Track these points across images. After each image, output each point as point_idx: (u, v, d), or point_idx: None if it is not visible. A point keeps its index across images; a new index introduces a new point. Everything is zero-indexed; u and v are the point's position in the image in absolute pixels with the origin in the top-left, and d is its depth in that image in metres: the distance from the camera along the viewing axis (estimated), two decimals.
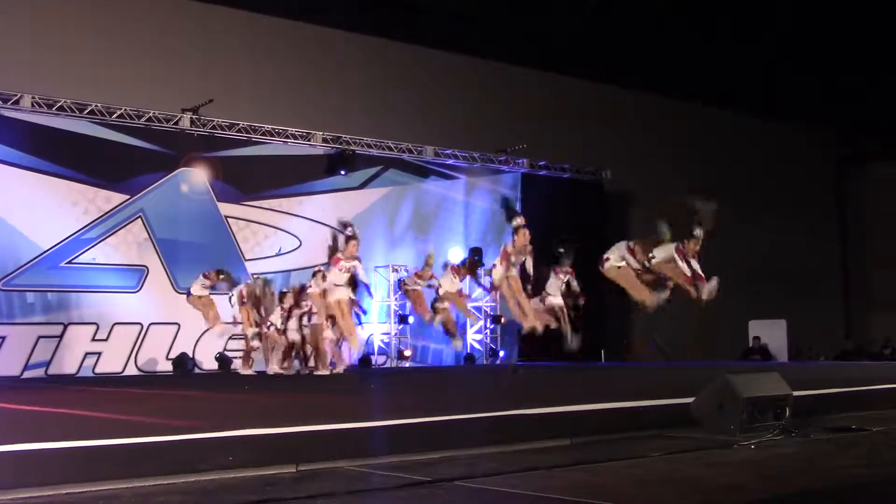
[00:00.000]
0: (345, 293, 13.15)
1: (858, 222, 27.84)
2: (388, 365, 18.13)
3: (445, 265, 15.70)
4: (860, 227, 27.72)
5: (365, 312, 15.67)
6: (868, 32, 21.49)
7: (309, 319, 14.32)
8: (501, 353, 19.24)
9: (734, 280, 23.86)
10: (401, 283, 16.55)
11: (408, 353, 18.40)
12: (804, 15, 20.94)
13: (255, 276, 15.84)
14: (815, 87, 24.06)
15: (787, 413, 6.28)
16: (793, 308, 22.37)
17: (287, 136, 17.29)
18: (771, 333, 20.69)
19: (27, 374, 14.62)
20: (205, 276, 14.69)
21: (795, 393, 6.47)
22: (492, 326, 19.25)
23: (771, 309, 21.78)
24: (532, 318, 11.97)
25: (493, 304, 18.80)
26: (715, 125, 24.84)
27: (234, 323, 15.22)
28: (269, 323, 14.50)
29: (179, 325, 15.90)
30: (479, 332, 19.22)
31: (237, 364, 15.14)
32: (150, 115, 15.86)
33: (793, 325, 21.31)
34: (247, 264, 16.60)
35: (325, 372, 13.69)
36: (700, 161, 24.36)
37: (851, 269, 27.77)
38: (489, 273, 13.78)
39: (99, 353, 15.34)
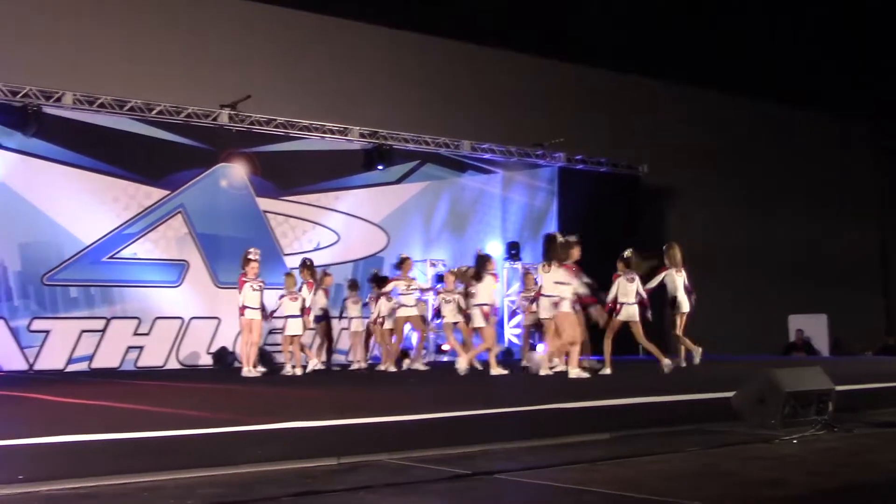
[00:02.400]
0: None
1: None
2: (427, 359, 18.13)
3: (440, 276, 15.72)
4: None
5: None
6: None
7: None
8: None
9: (774, 274, 23.74)
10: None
11: (446, 347, 18.37)
12: (844, 6, 20.65)
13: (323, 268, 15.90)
14: (855, 79, 23.74)
15: (830, 408, 6.22)
16: (833, 302, 22.10)
17: (324, 132, 17.34)
18: (811, 328, 20.45)
19: (71, 368, 14.80)
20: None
21: (838, 388, 6.40)
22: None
23: (811, 303, 21.54)
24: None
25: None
26: (753, 118, 24.56)
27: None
28: (377, 316, 14.41)
29: (220, 320, 16.00)
30: (517, 325, 19.05)
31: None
32: (189, 111, 15.98)
33: (833, 320, 21.06)
34: (285, 259, 16.67)
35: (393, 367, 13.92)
36: (738, 155, 24.12)
37: (893, 263, 27.37)
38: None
39: (141, 347, 15.49)
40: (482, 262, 12.42)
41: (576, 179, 20.04)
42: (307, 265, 13.80)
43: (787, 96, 24.12)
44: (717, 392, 6.88)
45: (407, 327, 14.74)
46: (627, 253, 11.96)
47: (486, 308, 12.11)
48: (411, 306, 13.96)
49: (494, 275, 13.08)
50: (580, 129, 20.88)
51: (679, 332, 12.63)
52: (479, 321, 12.23)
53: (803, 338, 20.16)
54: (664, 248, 12.59)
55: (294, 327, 12.95)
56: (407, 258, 14.43)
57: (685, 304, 12.67)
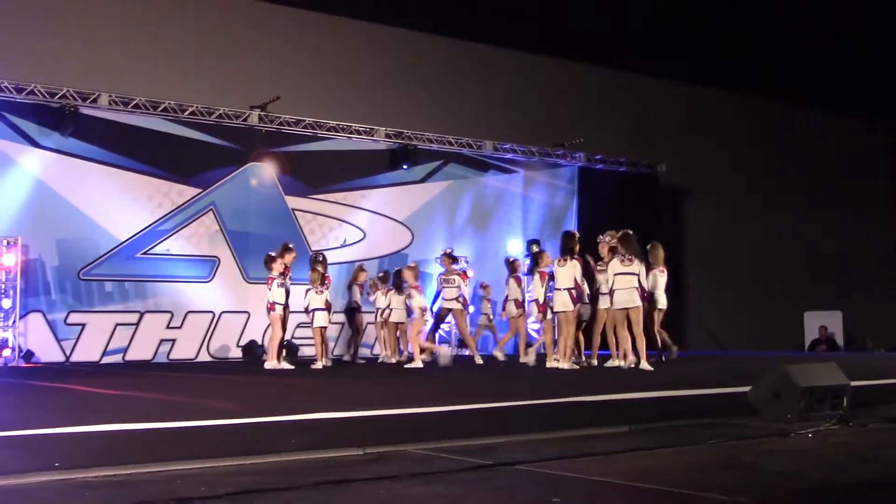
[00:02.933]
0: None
1: None
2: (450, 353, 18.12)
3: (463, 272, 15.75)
4: None
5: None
6: None
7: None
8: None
9: (790, 271, 23.58)
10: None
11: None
12: (861, 9, 20.47)
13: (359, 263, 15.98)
14: (873, 80, 23.53)
15: (845, 403, 6.16)
16: (848, 299, 21.95)
17: (351, 132, 17.37)
18: (827, 324, 20.31)
19: (105, 360, 14.91)
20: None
21: (852, 383, 6.35)
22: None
23: (826, 300, 21.40)
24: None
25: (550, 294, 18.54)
26: (771, 118, 24.42)
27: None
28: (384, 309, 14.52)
29: (249, 314, 16.09)
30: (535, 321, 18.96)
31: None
32: (221, 112, 16.05)
33: (848, 317, 20.90)
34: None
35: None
36: (756, 154, 23.98)
37: None
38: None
39: (173, 340, 15.59)
40: (536, 257, 12.24)
41: (595, 179, 19.98)
42: (319, 260, 13.68)
43: (804, 97, 23.95)
44: (734, 387, 6.84)
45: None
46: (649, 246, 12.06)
47: (573, 292, 11.39)
48: (452, 299, 13.85)
49: (517, 277, 13.10)
50: (600, 130, 20.84)
51: (658, 328, 12.55)
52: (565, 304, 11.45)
53: (827, 334, 20.00)
54: (648, 247, 12.39)
55: (320, 319, 12.95)
56: (449, 252, 14.31)
57: (662, 301, 12.66)
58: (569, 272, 11.17)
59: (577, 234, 11.79)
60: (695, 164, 22.56)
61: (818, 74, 23.28)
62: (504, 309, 14.93)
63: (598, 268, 12.17)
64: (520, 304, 14.14)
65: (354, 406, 5.76)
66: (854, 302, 22.29)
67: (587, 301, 11.98)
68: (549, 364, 11.58)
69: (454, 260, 14.31)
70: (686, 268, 22.91)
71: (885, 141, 27.24)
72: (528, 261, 13.45)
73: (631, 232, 11.47)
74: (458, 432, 5.30)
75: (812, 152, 24.92)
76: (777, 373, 6.18)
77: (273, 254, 12.66)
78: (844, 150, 25.64)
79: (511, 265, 14.41)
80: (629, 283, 11.08)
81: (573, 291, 11.13)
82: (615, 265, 11.22)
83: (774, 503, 3.63)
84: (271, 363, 12.35)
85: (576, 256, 11.29)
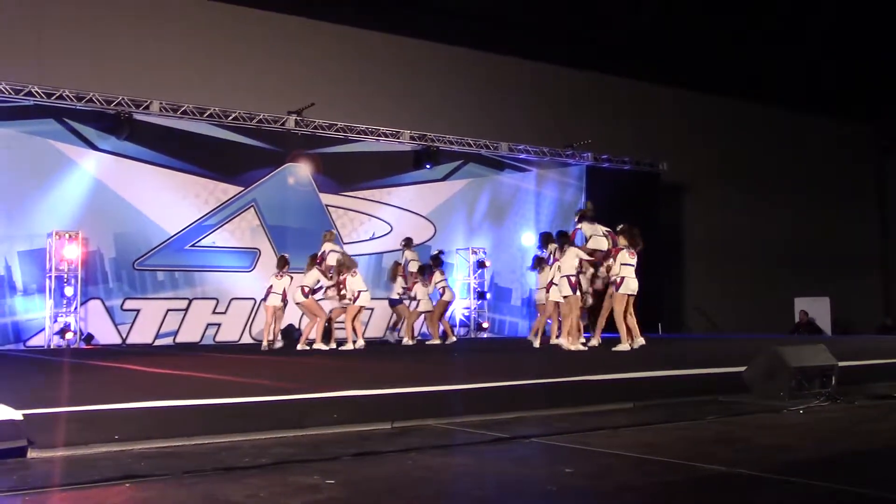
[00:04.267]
0: None
1: None
2: (468, 336, 18.15)
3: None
4: None
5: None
6: None
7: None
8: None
9: (782, 262, 23.42)
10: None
11: (485, 325, 18.39)
12: (846, 14, 20.23)
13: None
14: (856, 84, 23.31)
15: (833, 382, 6.12)
16: (835, 286, 21.78)
17: (379, 135, 17.36)
18: (815, 310, 20.14)
19: (158, 343, 15.01)
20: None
21: (840, 363, 6.30)
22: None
23: (816, 287, 21.25)
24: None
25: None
26: (765, 120, 24.23)
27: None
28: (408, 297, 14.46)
29: (286, 301, 16.11)
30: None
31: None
32: (261, 117, 16.08)
33: (835, 302, 20.74)
34: (345, 247, 16.72)
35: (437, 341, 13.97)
36: (749, 153, 23.82)
37: (891, 251, 26.88)
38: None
39: (219, 325, 15.66)
40: (563, 237, 11.96)
41: (602, 177, 19.89)
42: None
43: (794, 101, 23.79)
44: (731, 367, 6.80)
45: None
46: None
47: (572, 279, 11.29)
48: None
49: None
50: (606, 132, 20.75)
51: (605, 312, 12.06)
52: (565, 290, 11.33)
53: (808, 318, 19.86)
54: (618, 229, 11.95)
55: (364, 300, 12.85)
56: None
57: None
58: (568, 261, 11.23)
59: (571, 231, 12.25)
60: (693, 163, 22.43)
61: (808, 79, 23.11)
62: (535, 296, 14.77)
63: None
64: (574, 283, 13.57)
65: (383, 384, 5.77)
66: (841, 288, 22.14)
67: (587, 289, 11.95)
68: (536, 344, 11.63)
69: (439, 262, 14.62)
70: (685, 257, 22.81)
71: (870, 141, 26.97)
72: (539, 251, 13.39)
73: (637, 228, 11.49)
74: (477, 408, 5.30)
75: (802, 152, 24.73)
76: (770, 354, 6.14)
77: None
78: (832, 149, 25.41)
79: (538, 261, 13.83)
80: (633, 272, 11.14)
81: (572, 278, 11.19)
82: (624, 256, 11.20)
83: (769, 473, 3.61)
84: (318, 344, 12.60)
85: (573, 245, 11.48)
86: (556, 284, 11.53)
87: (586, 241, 12.12)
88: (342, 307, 13.16)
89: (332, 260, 13.17)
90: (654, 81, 22.03)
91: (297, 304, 13.03)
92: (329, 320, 13.44)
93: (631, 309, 11.39)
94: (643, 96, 22.12)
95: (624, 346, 11.03)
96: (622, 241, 11.37)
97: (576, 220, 12.70)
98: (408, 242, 15.52)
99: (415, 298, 14.44)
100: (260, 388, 6.11)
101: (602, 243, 11.97)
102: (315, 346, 12.71)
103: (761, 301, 22.54)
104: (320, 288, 13.13)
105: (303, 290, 12.86)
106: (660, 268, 18.41)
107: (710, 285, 22.50)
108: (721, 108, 23.53)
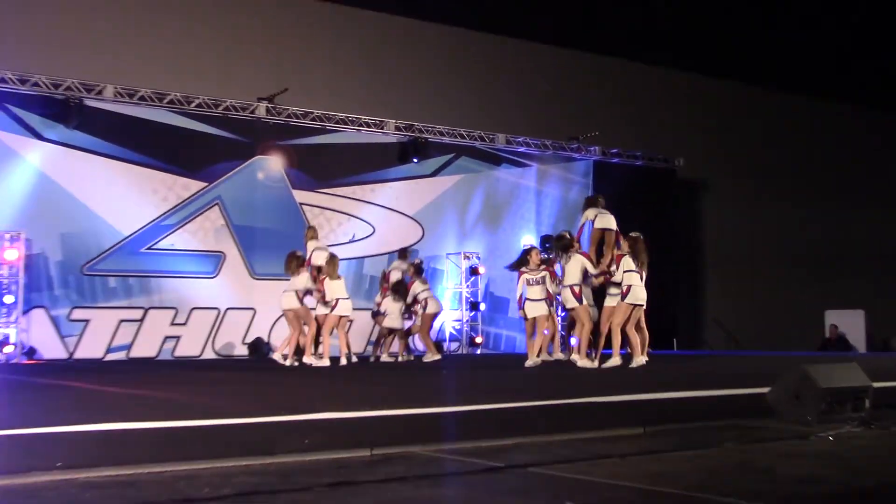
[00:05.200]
0: None
1: None
2: (459, 351, 18.16)
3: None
4: None
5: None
6: None
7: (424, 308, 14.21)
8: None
9: (810, 269, 23.49)
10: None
11: (479, 339, 18.39)
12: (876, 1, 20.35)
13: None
14: (892, 73, 23.40)
15: (867, 405, 6.13)
16: (871, 297, 21.84)
17: (360, 125, 17.39)
18: (848, 324, 20.20)
19: (109, 357, 14.98)
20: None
21: (875, 384, 6.31)
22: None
23: (848, 298, 21.30)
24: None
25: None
26: (788, 112, 24.31)
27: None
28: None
29: (255, 311, 16.12)
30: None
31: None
32: (227, 104, 16.08)
33: (871, 315, 20.81)
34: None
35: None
36: (773, 149, 23.89)
37: None
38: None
39: (178, 338, 15.64)
40: (560, 240, 12.12)
41: (611, 173, 19.95)
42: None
43: (821, 90, 23.85)
44: (753, 388, 6.81)
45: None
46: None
47: (576, 289, 11.44)
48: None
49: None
50: (615, 123, 20.79)
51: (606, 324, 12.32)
52: (570, 302, 11.52)
53: (838, 333, 19.92)
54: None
55: (343, 309, 12.86)
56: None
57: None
58: (573, 269, 11.25)
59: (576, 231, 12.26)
60: (712, 159, 22.50)
61: (842, 67, 23.18)
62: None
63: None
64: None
65: (362, 406, 5.76)
66: (877, 300, 22.19)
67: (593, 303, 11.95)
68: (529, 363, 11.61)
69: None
70: (703, 264, 22.88)
71: None
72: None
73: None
74: (469, 434, 5.29)
75: (831, 147, 24.80)
76: (797, 373, 6.15)
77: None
78: (864, 145, 25.49)
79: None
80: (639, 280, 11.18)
81: (576, 288, 11.20)
82: (628, 262, 11.20)
83: None
84: (308, 358, 12.63)
85: (580, 252, 11.45)
86: (535, 301, 11.60)
87: (592, 222, 12.09)
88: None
89: (319, 259, 13.10)
90: (670, 67, 22.09)
91: (287, 310, 12.95)
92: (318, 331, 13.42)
93: (642, 323, 11.41)
94: (657, 84, 22.19)
95: (615, 361, 11.05)
96: (626, 246, 11.38)
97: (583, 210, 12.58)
98: (402, 253, 15.31)
99: (383, 313, 14.28)
100: (223, 409, 6.09)
101: (610, 221, 11.94)
102: (289, 361, 12.68)
103: (787, 313, 22.60)
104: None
105: (297, 296, 12.81)
106: (675, 276, 18.50)
107: (731, 296, 22.56)
108: (743, 97, 23.60)
